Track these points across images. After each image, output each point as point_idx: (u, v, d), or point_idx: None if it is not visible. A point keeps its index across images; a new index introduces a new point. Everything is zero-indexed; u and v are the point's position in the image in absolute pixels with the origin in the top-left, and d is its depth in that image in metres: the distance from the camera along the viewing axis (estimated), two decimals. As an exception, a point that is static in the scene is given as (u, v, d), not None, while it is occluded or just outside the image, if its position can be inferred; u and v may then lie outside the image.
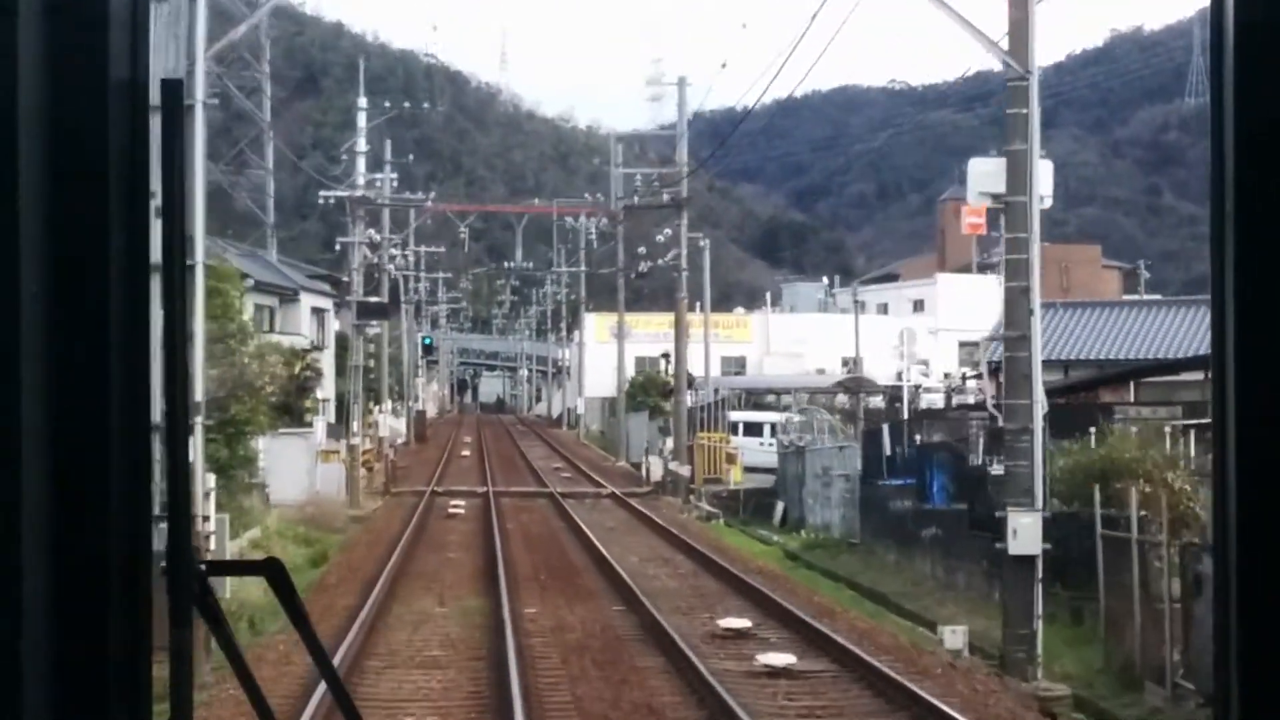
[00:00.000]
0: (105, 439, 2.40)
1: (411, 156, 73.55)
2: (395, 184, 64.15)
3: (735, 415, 65.59)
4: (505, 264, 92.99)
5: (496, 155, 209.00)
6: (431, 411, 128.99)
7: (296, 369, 55.91)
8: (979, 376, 61.18)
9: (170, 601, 2.50)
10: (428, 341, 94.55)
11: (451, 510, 47.48)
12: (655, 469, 59.20)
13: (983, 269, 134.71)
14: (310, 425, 53.68)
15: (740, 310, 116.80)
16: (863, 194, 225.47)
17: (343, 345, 62.21)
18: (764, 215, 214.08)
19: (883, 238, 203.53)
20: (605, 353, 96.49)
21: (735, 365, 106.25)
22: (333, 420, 60.12)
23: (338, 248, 54.47)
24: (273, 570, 2.69)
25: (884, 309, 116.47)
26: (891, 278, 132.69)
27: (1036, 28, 23.24)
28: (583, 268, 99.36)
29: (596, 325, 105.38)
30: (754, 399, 76.66)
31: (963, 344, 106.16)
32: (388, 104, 74.98)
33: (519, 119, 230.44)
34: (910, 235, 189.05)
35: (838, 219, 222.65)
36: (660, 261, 59.98)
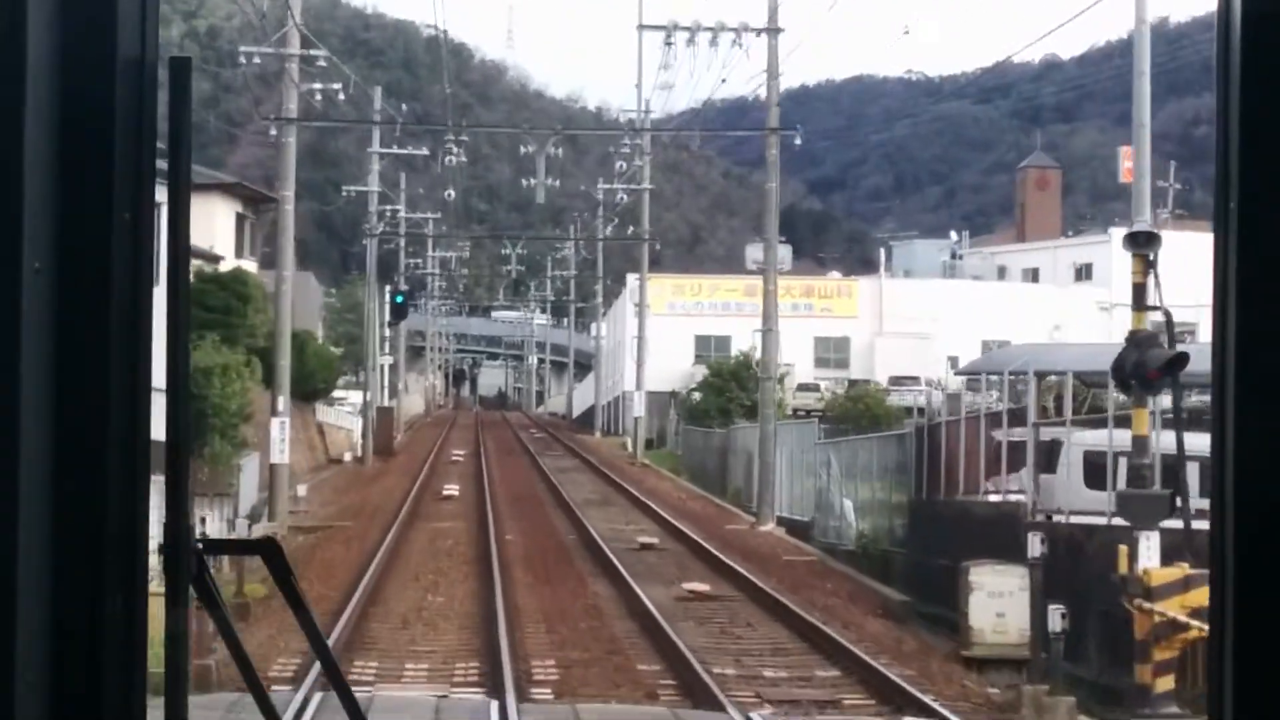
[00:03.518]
0: (104, 416, 2.18)
1: None
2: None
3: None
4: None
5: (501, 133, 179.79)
6: (418, 408, 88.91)
7: None
8: None
9: (167, 581, 2.26)
10: (399, 300, 54.09)
11: None
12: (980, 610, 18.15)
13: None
14: None
15: (836, 274, 76.97)
16: (879, 186, 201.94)
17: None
18: (781, 204, 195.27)
19: (900, 231, 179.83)
20: (668, 329, 60.18)
21: (835, 348, 68.38)
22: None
23: None
24: (268, 550, 2.43)
25: (1033, 275, 76.20)
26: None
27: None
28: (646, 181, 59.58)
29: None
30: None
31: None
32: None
33: (525, 97, 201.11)
34: (934, 228, 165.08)
35: (854, 211, 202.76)
36: None
